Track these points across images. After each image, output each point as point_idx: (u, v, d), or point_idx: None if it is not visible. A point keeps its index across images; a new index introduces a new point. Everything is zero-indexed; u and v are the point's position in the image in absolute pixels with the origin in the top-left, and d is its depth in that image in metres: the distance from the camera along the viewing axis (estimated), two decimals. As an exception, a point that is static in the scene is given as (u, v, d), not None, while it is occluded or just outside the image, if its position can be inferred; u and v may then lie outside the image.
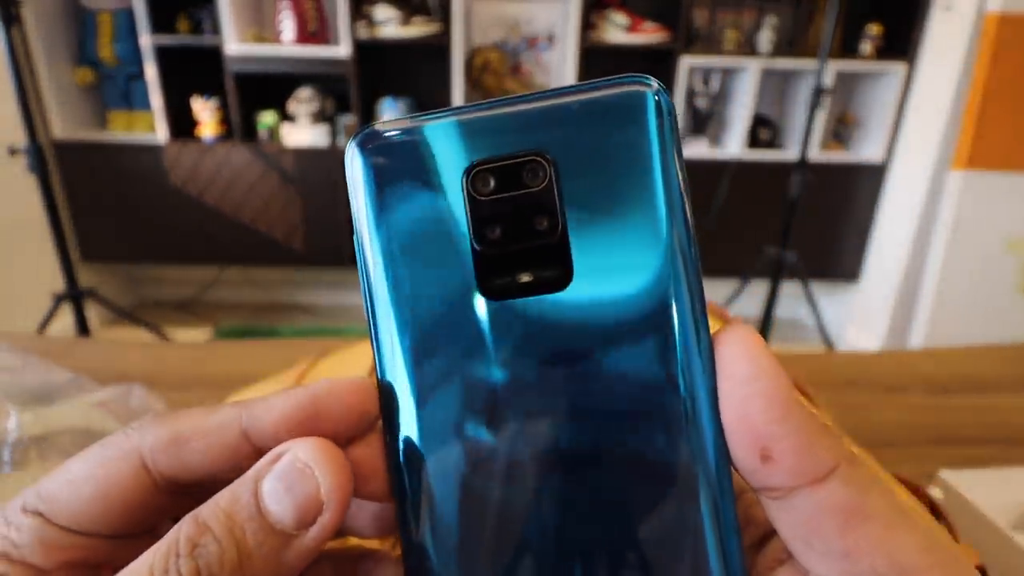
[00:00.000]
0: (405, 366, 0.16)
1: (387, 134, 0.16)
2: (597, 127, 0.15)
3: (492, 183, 0.15)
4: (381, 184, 0.16)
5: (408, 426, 0.16)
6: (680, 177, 0.15)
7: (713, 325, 0.15)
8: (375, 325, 0.16)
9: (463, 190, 0.15)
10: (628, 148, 0.15)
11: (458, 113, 0.16)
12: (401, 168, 0.16)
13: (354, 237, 0.16)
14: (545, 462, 0.15)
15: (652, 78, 0.15)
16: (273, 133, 2.03)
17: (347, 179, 0.16)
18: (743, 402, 0.14)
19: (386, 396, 0.16)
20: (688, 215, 0.15)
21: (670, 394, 0.15)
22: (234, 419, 0.15)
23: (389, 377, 0.16)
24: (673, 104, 0.15)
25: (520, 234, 0.15)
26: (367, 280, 0.16)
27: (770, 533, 0.16)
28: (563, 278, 0.15)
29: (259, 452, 0.15)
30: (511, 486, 0.15)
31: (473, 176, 0.15)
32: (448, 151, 0.16)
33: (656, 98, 0.15)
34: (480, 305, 0.15)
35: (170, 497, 0.16)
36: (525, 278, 0.15)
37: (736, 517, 0.15)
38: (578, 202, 0.15)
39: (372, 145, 0.16)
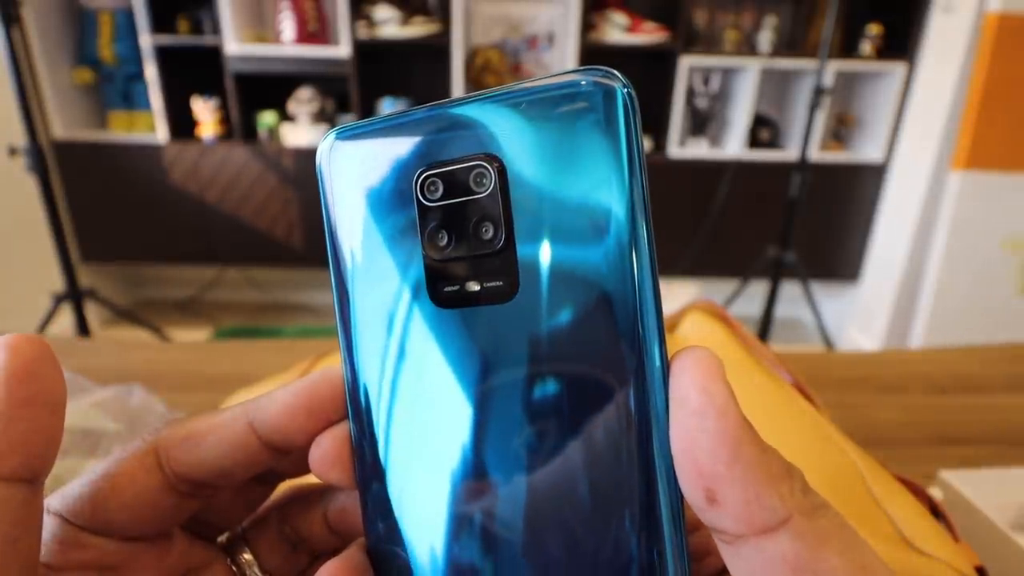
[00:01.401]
0: (364, 366, 0.16)
1: (361, 133, 0.16)
2: (556, 128, 0.14)
3: (440, 189, 0.15)
4: (352, 185, 0.16)
5: (367, 423, 0.16)
6: (645, 182, 0.14)
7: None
8: (340, 316, 0.17)
9: (414, 196, 0.15)
10: (590, 151, 0.14)
11: (430, 110, 0.15)
12: (371, 169, 0.16)
13: (325, 232, 0.17)
14: (492, 474, 0.15)
15: (616, 71, 0.14)
16: (273, 133, 2.03)
17: (320, 177, 0.16)
18: (690, 435, 0.13)
19: (349, 390, 0.17)
20: (650, 226, 0.14)
21: (619, 419, 0.14)
22: (242, 414, 0.16)
23: (351, 372, 0.16)
24: (637, 101, 0.14)
25: (465, 242, 0.15)
26: (336, 276, 0.17)
27: None
28: (508, 289, 0.14)
29: (265, 443, 0.16)
30: (462, 486, 0.15)
31: (423, 181, 0.15)
32: (411, 153, 0.15)
33: (624, 94, 0.13)
34: (431, 313, 0.15)
35: (181, 498, 0.17)
36: (473, 287, 0.15)
37: (686, 549, 0.14)
38: (529, 210, 0.14)
39: (346, 145, 0.16)
